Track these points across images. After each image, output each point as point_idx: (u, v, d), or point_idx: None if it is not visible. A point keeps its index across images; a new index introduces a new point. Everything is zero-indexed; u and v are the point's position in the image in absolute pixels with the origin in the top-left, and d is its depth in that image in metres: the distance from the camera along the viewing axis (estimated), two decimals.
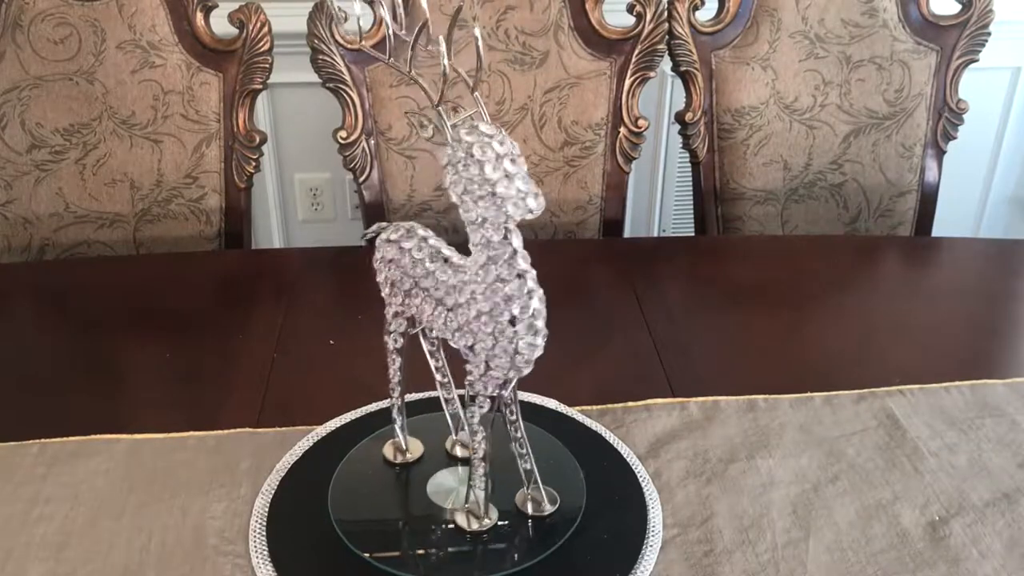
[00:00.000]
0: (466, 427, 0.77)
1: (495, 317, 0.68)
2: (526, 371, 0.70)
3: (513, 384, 0.74)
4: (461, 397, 0.78)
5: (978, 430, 0.93)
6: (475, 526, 0.78)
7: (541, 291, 0.68)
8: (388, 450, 0.87)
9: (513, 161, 0.64)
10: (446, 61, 0.65)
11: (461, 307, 0.71)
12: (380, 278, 0.79)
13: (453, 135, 0.65)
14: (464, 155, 0.64)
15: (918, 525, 0.81)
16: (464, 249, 0.72)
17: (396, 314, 0.80)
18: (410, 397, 0.90)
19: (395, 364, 0.83)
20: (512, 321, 0.68)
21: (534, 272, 0.67)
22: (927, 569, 0.76)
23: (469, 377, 0.73)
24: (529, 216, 0.64)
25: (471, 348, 0.71)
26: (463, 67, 0.67)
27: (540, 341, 0.68)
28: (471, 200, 0.65)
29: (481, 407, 0.74)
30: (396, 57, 0.69)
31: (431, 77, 0.67)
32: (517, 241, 0.66)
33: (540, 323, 0.68)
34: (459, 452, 0.86)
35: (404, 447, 0.87)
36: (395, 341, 0.81)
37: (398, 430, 0.86)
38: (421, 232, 0.76)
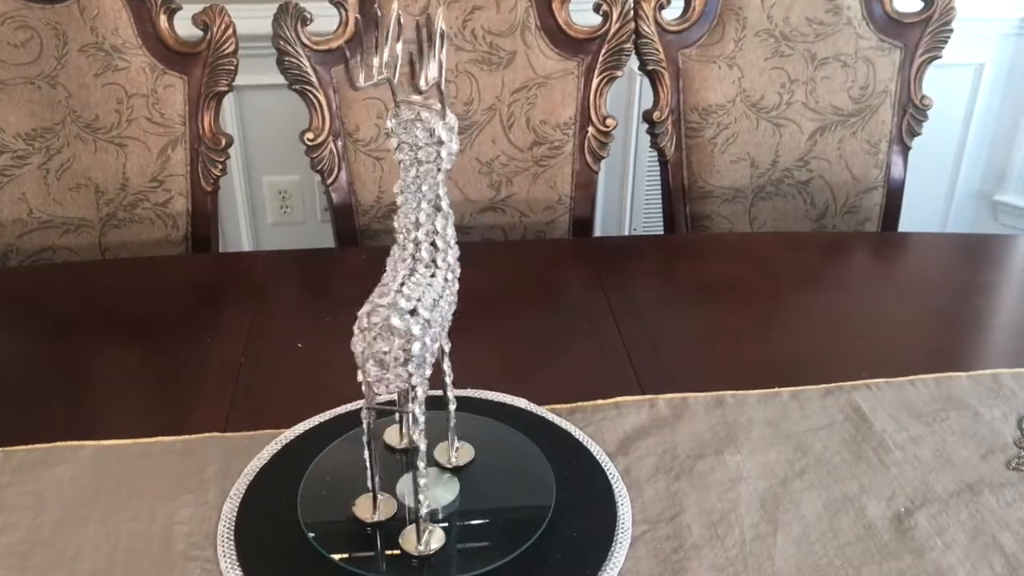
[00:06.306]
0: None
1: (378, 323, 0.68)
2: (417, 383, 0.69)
3: (418, 397, 0.72)
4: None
5: (943, 422, 0.94)
6: (419, 550, 0.76)
7: (430, 332, 0.68)
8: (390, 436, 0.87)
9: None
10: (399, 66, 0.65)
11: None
12: None
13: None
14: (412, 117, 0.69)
15: (884, 517, 0.81)
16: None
17: None
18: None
19: None
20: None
21: (423, 317, 0.68)
22: (893, 560, 0.77)
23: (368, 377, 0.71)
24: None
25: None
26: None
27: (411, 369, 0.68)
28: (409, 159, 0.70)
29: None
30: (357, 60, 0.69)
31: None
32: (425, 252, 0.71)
33: (415, 348, 0.67)
34: (444, 458, 0.86)
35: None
36: None
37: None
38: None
